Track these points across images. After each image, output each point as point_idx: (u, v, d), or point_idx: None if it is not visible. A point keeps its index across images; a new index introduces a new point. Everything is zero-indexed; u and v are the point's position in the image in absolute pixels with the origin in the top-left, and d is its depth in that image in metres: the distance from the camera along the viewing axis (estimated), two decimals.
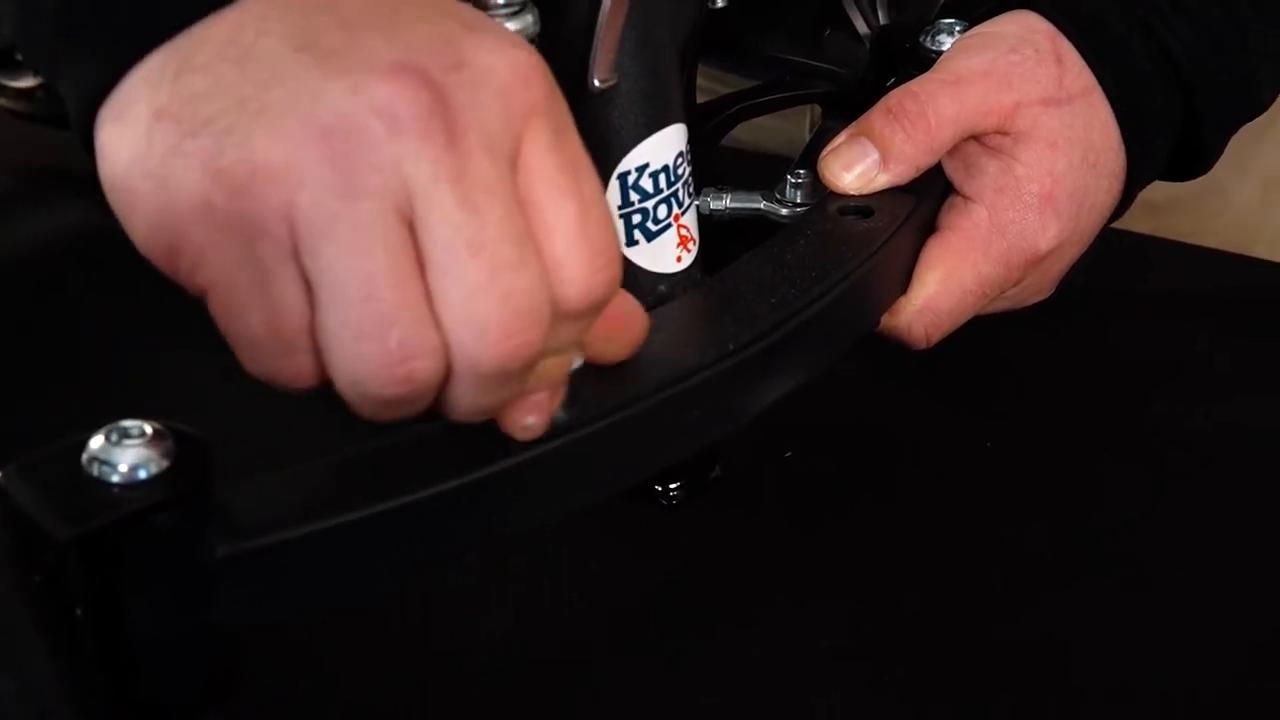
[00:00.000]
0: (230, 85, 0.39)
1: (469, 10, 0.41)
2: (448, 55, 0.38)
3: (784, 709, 0.55)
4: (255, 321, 0.39)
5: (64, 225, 0.92)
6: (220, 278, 0.39)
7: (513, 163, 0.39)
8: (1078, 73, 0.59)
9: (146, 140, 0.40)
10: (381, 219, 0.37)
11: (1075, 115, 0.58)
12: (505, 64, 0.39)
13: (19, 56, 1.05)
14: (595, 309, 0.40)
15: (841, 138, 0.57)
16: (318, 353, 0.39)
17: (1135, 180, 0.61)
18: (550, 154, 0.39)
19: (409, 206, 0.38)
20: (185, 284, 0.40)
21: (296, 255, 0.38)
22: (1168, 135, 0.61)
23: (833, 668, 0.56)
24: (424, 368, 0.39)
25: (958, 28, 0.61)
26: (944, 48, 0.61)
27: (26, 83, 1.06)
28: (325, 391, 0.41)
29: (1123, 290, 0.75)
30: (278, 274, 0.38)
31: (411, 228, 0.38)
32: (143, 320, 0.80)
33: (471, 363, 0.39)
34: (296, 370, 0.40)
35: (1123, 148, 0.59)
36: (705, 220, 0.58)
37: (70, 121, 0.43)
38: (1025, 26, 0.59)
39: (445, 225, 0.38)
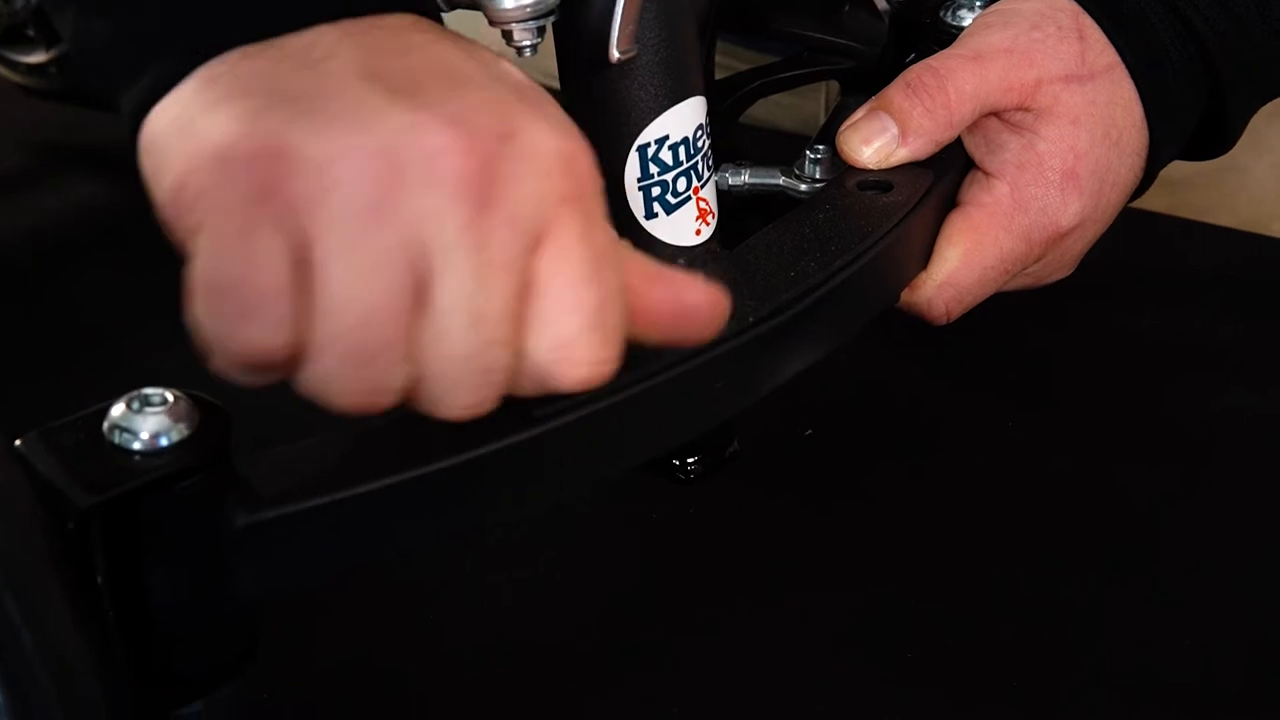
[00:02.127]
0: (288, 81, 0.40)
1: (527, 82, 0.42)
2: (502, 124, 0.39)
3: (791, 692, 0.54)
4: (229, 271, 0.39)
5: (74, 202, 0.92)
6: (212, 218, 0.39)
7: (535, 243, 0.39)
8: (1100, 50, 0.58)
9: (189, 102, 0.40)
10: (400, 256, 0.38)
11: (1098, 92, 0.58)
12: (552, 146, 0.40)
13: (30, 32, 1.05)
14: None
15: (860, 112, 0.57)
16: (280, 327, 0.39)
17: (1157, 158, 0.60)
18: (580, 244, 0.40)
19: (425, 256, 0.38)
20: (179, 227, 0.40)
21: (298, 239, 0.38)
22: (1191, 113, 0.61)
23: (841, 653, 0.56)
24: (388, 400, 0.40)
25: (978, 3, 0.61)
26: (964, 23, 0.60)
27: (38, 58, 1.06)
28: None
29: (1139, 268, 0.75)
30: (270, 240, 0.38)
31: (420, 272, 0.38)
32: (151, 296, 0.80)
33: (434, 403, 0.41)
34: (253, 339, 0.39)
35: (1145, 125, 0.59)
36: (724, 196, 0.58)
37: (125, 125, 0.44)
38: (1047, 3, 0.59)
39: (455, 290, 0.39)
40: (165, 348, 0.76)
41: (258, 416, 0.64)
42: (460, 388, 0.40)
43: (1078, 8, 0.59)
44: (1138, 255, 0.74)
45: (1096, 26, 0.59)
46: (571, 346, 0.40)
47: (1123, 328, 0.72)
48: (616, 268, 0.41)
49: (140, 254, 0.86)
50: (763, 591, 0.58)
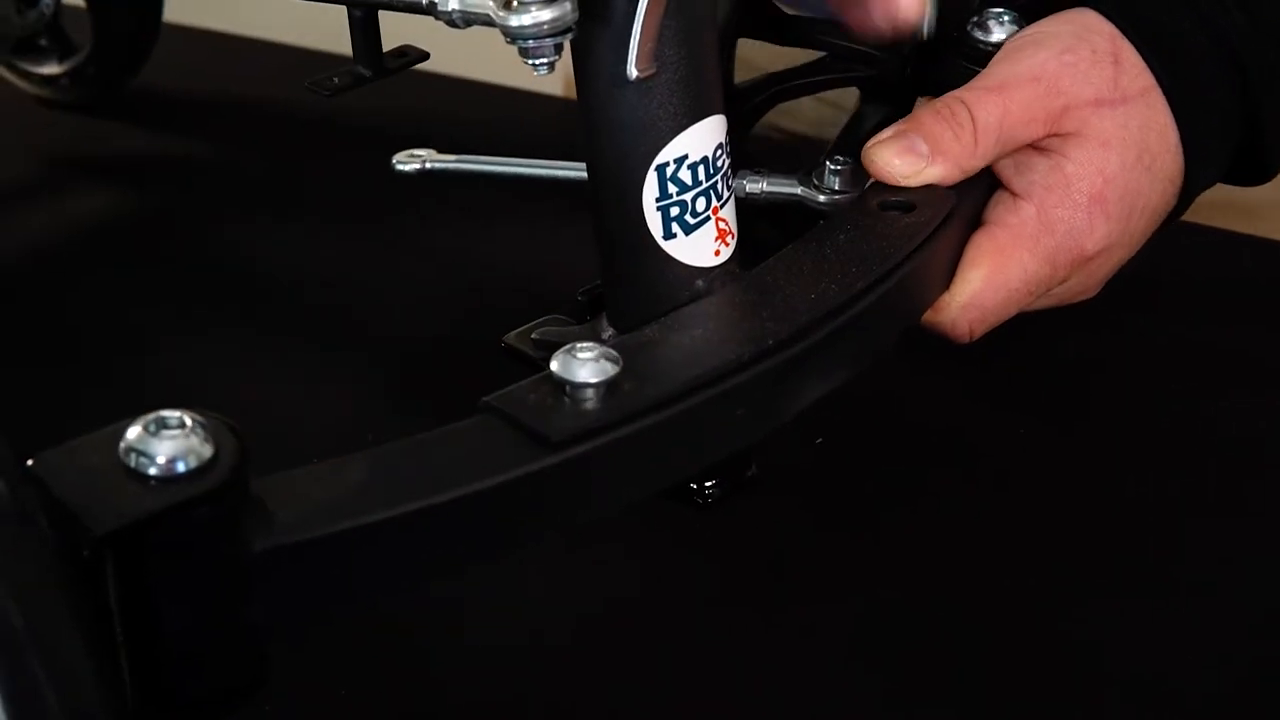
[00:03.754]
0: None
1: None
2: None
3: (796, 703, 0.54)
4: None
5: (85, 213, 0.91)
6: None
7: None
8: (1136, 74, 0.58)
9: None
10: None
11: (1131, 116, 0.57)
12: None
13: (44, 43, 1.05)
14: None
15: (889, 132, 0.57)
16: None
17: (1193, 184, 0.59)
18: None
19: None
20: None
21: None
22: (1229, 140, 0.60)
23: (848, 664, 0.55)
24: None
25: (1006, 17, 0.60)
26: (991, 36, 0.60)
27: (51, 69, 1.06)
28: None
29: (1167, 283, 0.74)
30: None
31: None
32: (162, 307, 0.80)
33: None
34: None
35: (1181, 151, 0.58)
36: (739, 203, 0.57)
37: None
38: (1084, 26, 0.58)
39: None
40: (175, 361, 0.77)
41: (275, 435, 0.64)
42: None
43: (1115, 30, 0.58)
44: (1176, 265, 0.73)
45: (1133, 50, 0.58)
46: None
47: (1148, 342, 0.72)
48: None
49: (150, 264, 0.86)
50: (769, 601, 0.58)
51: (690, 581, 0.59)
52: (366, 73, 0.59)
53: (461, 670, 0.56)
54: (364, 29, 0.58)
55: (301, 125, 0.98)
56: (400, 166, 0.68)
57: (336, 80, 0.60)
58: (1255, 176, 0.63)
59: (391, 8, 0.51)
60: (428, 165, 0.67)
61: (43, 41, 1.05)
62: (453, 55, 0.82)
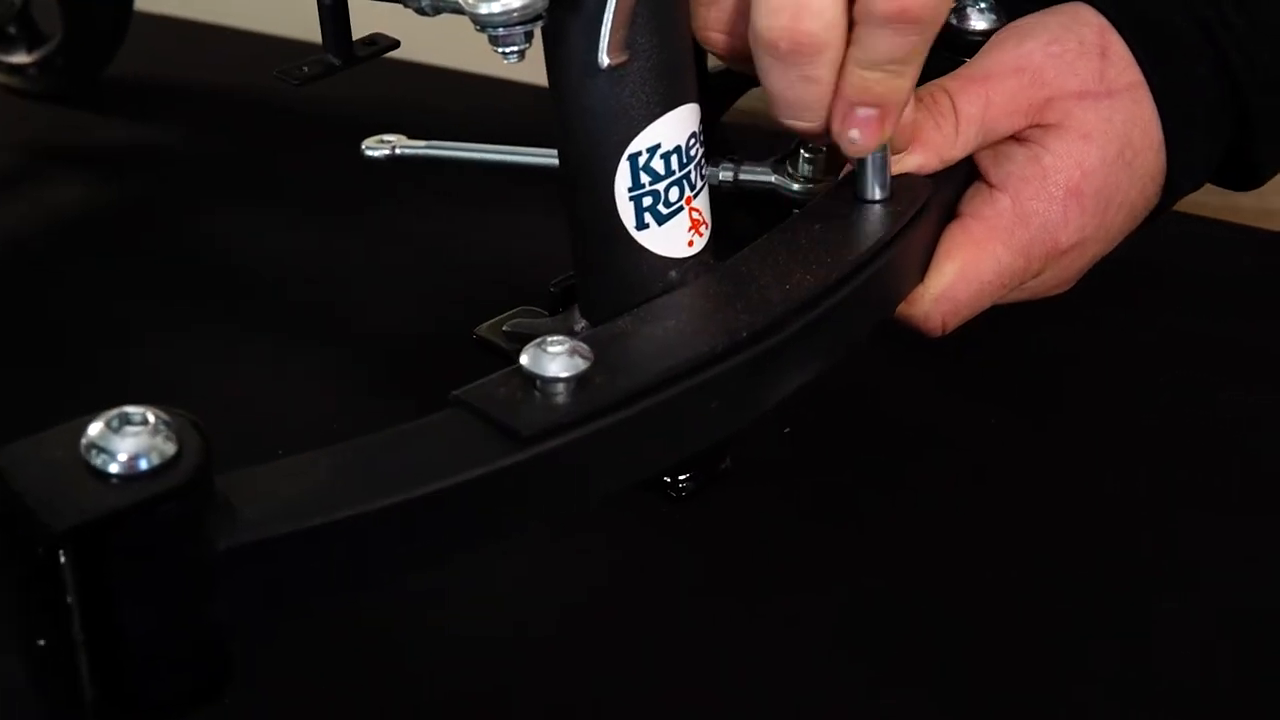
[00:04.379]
0: None
1: None
2: None
3: (779, 693, 0.53)
4: None
5: (56, 204, 0.91)
6: None
7: None
8: (1123, 68, 0.57)
9: None
10: None
11: (1115, 110, 0.56)
12: None
13: (12, 30, 1.03)
14: (902, 19, 0.48)
15: None
16: None
17: (1176, 184, 0.59)
18: None
19: None
20: None
21: None
22: (1219, 140, 0.59)
23: (830, 654, 0.55)
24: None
25: (983, 4, 0.60)
26: (970, 24, 0.59)
27: (20, 58, 1.04)
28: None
29: (1142, 275, 0.74)
30: None
31: None
32: (137, 299, 0.79)
33: (761, 41, 0.48)
34: None
35: (1164, 148, 0.58)
36: (713, 191, 0.56)
37: None
38: (1073, 18, 0.58)
39: None
40: (148, 354, 0.76)
41: (243, 430, 0.63)
42: (774, 72, 0.48)
43: (1105, 23, 0.57)
44: (1152, 256, 0.73)
45: (1123, 43, 0.57)
46: (870, 79, 0.48)
47: (1120, 332, 0.71)
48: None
49: (128, 256, 0.86)
50: (752, 591, 0.57)
51: (674, 571, 0.59)
52: (336, 61, 0.59)
53: (443, 662, 0.55)
54: (333, 17, 0.57)
55: (276, 113, 0.97)
56: (370, 152, 0.67)
57: (306, 69, 0.59)
58: (1245, 181, 0.62)
59: None
60: (397, 151, 0.67)
61: (11, 30, 1.04)
62: (428, 41, 0.82)
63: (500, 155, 0.66)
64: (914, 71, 0.50)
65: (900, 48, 0.49)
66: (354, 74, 0.64)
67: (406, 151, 0.67)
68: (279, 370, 0.71)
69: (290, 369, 0.72)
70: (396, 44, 0.62)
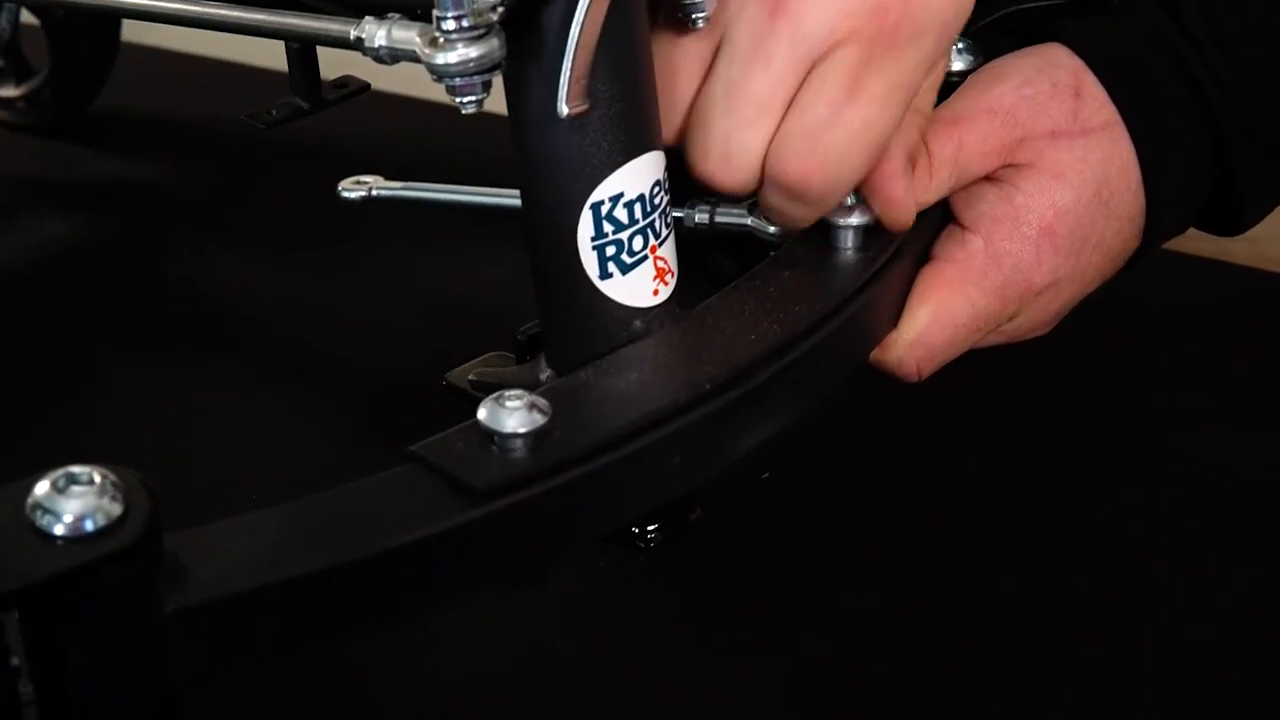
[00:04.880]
0: None
1: None
2: None
3: None
4: None
5: (44, 237, 0.90)
6: None
7: (810, 57, 0.49)
8: (1097, 107, 0.56)
9: None
10: (710, 33, 0.51)
11: (1091, 149, 0.56)
12: None
13: (1, 64, 1.03)
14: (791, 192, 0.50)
15: None
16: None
17: (1156, 225, 0.58)
18: (844, 72, 0.49)
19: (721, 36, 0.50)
20: None
21: None
22: (1201, 184, 0.58)
23: (794, 707, 0.54)
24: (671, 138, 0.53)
25: (960, 44, 0.59)
26: (949, 65, 0.59)
27: (9, 92, 1.04)
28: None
29: (1128, 309, 0.73)
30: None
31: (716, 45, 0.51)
32: (105, 339, 0.79)
33: (691, 156, 0.52)
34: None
35: (1143, 189, 0.57)
36: (690, 234, 0.56)
37: None
38: (1047, 60, 0.57)
39: (722, 65, 0.50)
40: (116, 392, 0.75)
41: (208, 475, 0.62)
42: (709, 151, 0.50)
43: (1079, 64, 0.57)
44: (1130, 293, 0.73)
45: (1098, 83, 0.56)
46: (784, 150, 0.49)
47: (1093, 371, 0.71)
48: (873, 107, 0.49)
49: (102, 293, 0.85)
50: (714, 642, 0.57)
51: (627, 622, 0.58)
52: (304, 105, 0.58)
53: (407, 702, 0.55)
54: (300, 62, 0.57)
55: (258, 146, 0.97)
56: (346, 194, 0.67)
57: (273, 112, 0.58)
58: (1229, 226, 0.61)
59: (322, 43, 0.49)
60: (374, 192, 0.66)
61: (0, 64, 1.04)
62: (407, 72, 0.81)
63: (477, 198, 0.65)
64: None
65: (788, 211, 0.52)
66: (341, 106, 0.63)
67: (383, 193, 0.66)
68: (249, 414, 0.71)
69: (261, 412, 0.71)
70: (367, 87, 0.62)
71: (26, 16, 1.01)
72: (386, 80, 0.68)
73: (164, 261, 0.86)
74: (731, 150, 0.50)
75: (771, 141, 0.50)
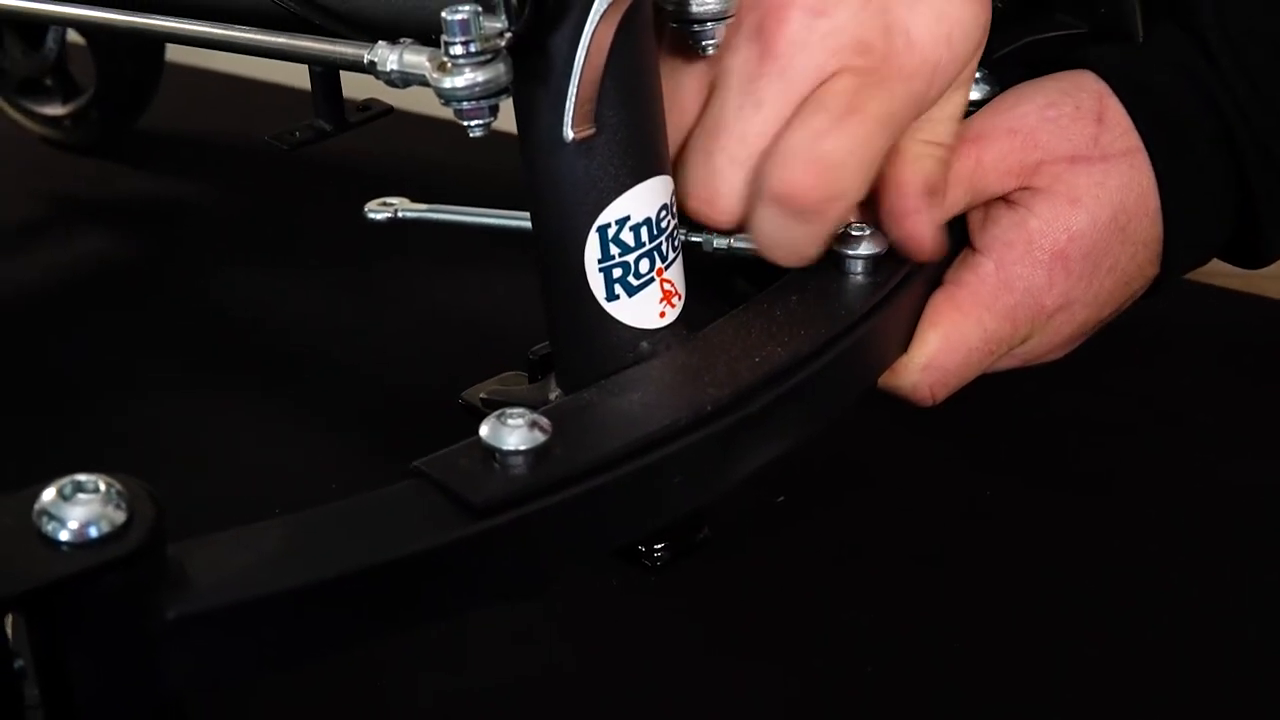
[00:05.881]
0: None
1: None
2: (820, 5, 0.50)
3: None
4: None
5: (84, 253, 0.92)
6: None
7: (800, 95, 0.50)
8: (1120, 133, 0.56)
9: None
10: (705, 69, 0.52)
11: (1109, 174, 0.56)
12: (852, 30, 0.50)
13: (49, 83, 1.05)
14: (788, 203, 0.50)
15: None
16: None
17: (1174, 253, 0.58)
18: (835, 108, 0.49)
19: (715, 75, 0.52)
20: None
21: None
22: (1224, 215, 0.58)
23: None
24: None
25: (977, 74, 0.59)
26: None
27: (55, 110, 1.06)
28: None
29: (1147, 335, 0.73)
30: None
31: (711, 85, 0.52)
32: (134, 355, 0.80)
33: (682, 193, 0.53)
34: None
35: (1160, 216, 0.57)
36: (707, 256, 0.56)
37: None
38: (1073, 83, 0.57)
39: (715, 103, 0.51)
40: (143, 407, 0.77)
41: (210, 498, 0.63)
42: (694, 188, 0.51)
43: (1105, 88, 0.57)
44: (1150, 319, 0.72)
45: (1121, 108, 0.57)
46: (783, 159, 0.49)
47: (1111, 399, 0.71)
48: (869, 125, 0.49)
49: (137, 311, 0.87)
50: (719, 657, 0.57)
51: (636, 641, 0.58)
52: (327, 127, 0.59)
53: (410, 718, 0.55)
54: (324, 84, 0.58)
55: (289, 166, 0.98)
56: (372, 215, 0.68)
57: (297, 134, 0.60)
58: (1253, 258, 0.61)
59: (337, 66, 0.50)
60: (399, 214, 0.67)
61: (48, 82, 1.06)
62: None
63: (503, 220, 0.66)
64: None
65: (788, 234, 0.51)
66: (375, 126, 0.64)
67: (409, 214, 0.67)
68: (271, 428, 0.72)
69: (284, 426, 0.72)
70: (390, 110, 0.63)
71: (73, 36, 1.03)
72: (409, 102, 0.69)
73: (194, 278, 0.88)
74: (717, 188, 0.51)
75: (769, 158, 0.50)
